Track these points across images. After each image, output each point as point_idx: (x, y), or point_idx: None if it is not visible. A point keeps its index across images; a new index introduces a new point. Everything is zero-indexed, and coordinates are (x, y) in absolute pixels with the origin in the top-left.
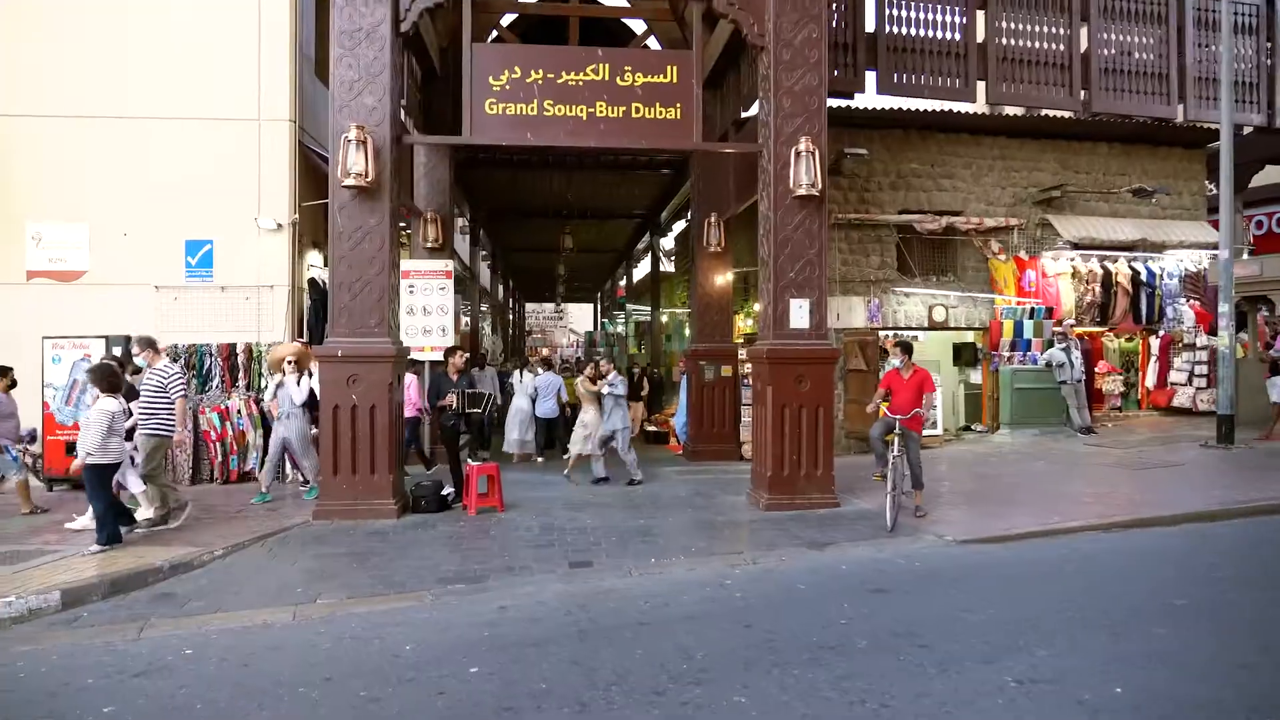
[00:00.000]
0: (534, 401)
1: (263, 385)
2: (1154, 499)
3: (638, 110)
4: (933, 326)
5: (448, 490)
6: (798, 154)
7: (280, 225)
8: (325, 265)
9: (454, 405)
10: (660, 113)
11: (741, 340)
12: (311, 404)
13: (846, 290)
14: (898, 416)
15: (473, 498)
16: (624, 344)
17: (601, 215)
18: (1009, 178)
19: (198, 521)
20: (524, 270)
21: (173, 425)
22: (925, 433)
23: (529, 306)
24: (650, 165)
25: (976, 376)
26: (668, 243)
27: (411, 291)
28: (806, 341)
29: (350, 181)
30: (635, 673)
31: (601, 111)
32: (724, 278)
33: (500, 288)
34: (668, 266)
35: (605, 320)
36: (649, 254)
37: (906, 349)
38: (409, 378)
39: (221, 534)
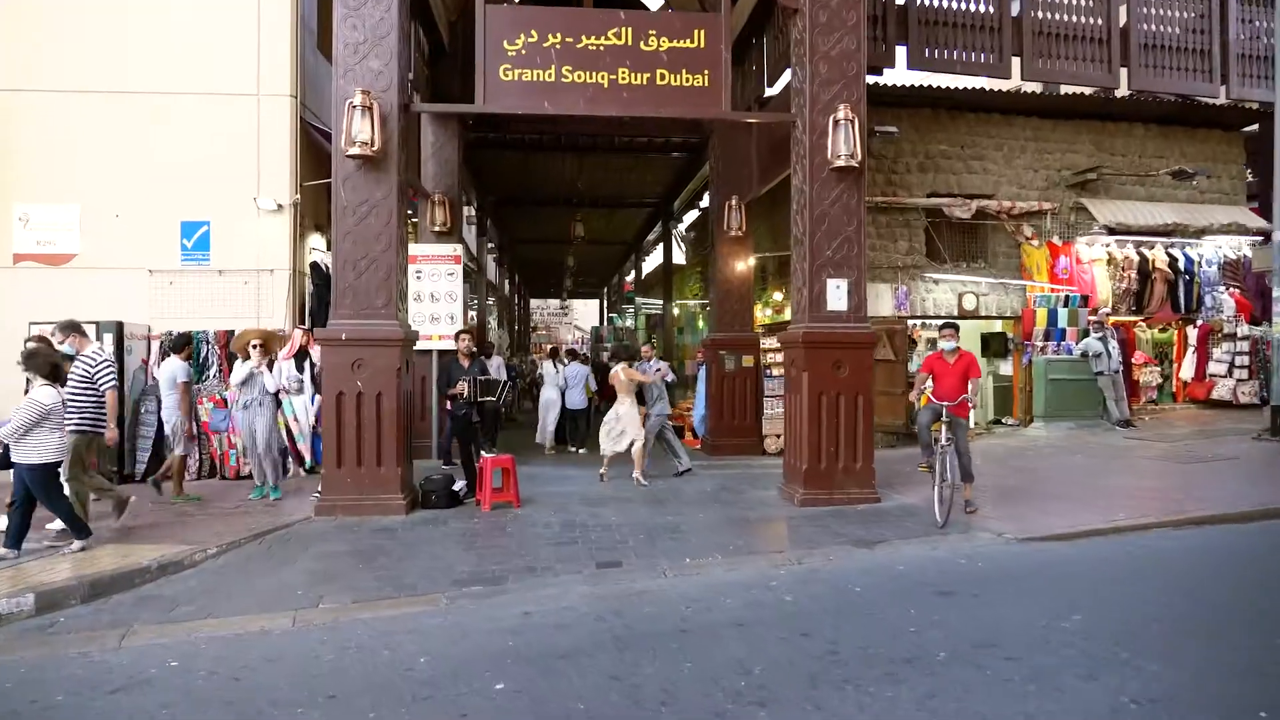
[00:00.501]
0: (563, 393)
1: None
2: (1218, 495)
3: (663, 77)
4: (962, 315)
5: (459, 485)
6: (836, 122)
7: (280, 206)
8: (328, 249)
9: (466, 393)
10: (687, 80)
11: (762, 330)
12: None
13: (873, 277)
14: (945, 403)
15: (487, 492)
16: (633, 338)
17: (612, 203)
18: (1042, 160)
19: (191, 517)
20: (530, 263)
21: (101, 421)
22: None
23: (533, 302)
24: (665, 148)
25: (1006, 368)
26: (682, 230)
27: (419, 277)
28: (845, 324)
29: (355, 150)
30: (686, 690)
31: (624, 78)
32: (745, 264)
33: (506, 282)
34: (680, 258)
35: (614, 315)
36: (659, 245)
37: (956, 330)
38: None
39: (216, 531)
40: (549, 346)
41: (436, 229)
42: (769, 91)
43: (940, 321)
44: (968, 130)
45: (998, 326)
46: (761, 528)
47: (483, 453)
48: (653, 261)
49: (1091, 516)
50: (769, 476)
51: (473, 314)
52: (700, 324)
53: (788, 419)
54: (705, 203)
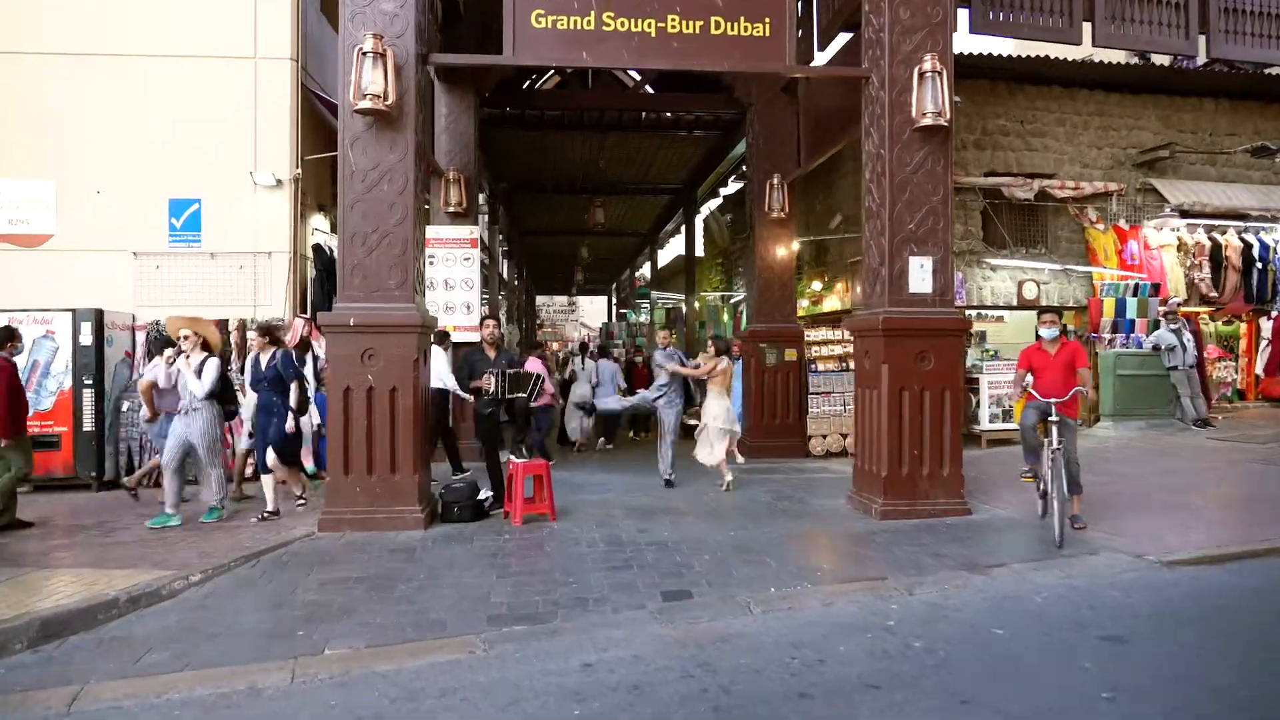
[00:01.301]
0: (594, 389)
1: None
2: None
3: (717, 25)
4: (1022, 305)
5: (485, 494)
6: (921, 75)
7: (280, 181)
8: (333, 231)
9: (492, 389)
10: (745, 28)
11: (805, 321)
12: (224, 396)
13: None
14: (1053, 400)
15: (517, 503)
16: (650, 333)
17: (632, 190)
18: (1106, 136)
19: (173, 531)
20: (540, 257)
21: None
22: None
23: (539, 299)
24: (695, 125)
25: None
26: (715, 212)
27: (432, 262)
28: (930, 309)
29: (365, 104)
30: None
31: (673, 26)
32: (787, 248)
33: (514, 276)
34: (699, 250)
35: (628, 310)
36: (676, 237)
37: (1057, 314)
38: (532, 363)
39: (202, 551)
40: (579, 341)
41: (451, 209)
42: (819, 59)
43: (1039, 308)
44: (1027, 104)
45: None
46: (846, 546)
47: (512, 458)
48: (668, 254)
49: (1232, 534)
50: (827, 482)
51: (484, 308)
52: (725, 317)
53: (860, 418)
54: (729, 190)
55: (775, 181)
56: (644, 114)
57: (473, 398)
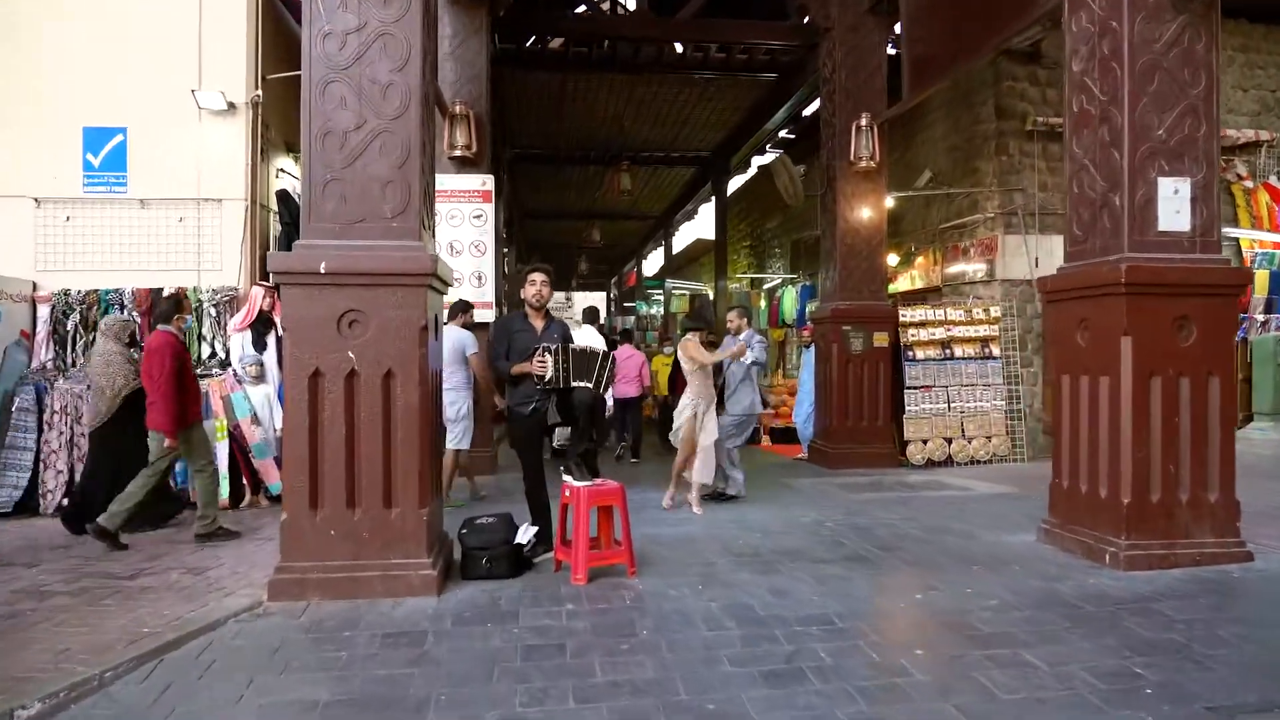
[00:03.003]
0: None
1: (211, 353)
2: None
3: None
4: None
5: (526, 535)
6: None
7: (232, 105)
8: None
9: (549, 374)
10: None
11: (894, 301)
12: None
13: (1045, 227)
14: None
15: (580, 551)
16: (671, 324)
17: (657, 159)
18: (1252, 76)
19: (33, 609)
20: (538, 246)
21: None
22: None
23: None
24: (749, 65)
25: None
26: (772, 163)
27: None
28: (1190, 255)
29: None
30: None
31: None
32: (876, 208)
33: (515, 266)
34: (710, 233)
35: (638, 302)
36: (694, 217)
37: None
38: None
39: (64, 645)
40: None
41: (458, 154)
42: None
43: None
44: None
45: None
46: (1127, 623)
47: (569, 479)
48: (681, 241)
49: None
50: (963, 503)
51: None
52: (762, 303)
53: (1067, 417)
54: (764, 160)
55: (863, 123)
56: (689, 50)
57: (506, 387)
